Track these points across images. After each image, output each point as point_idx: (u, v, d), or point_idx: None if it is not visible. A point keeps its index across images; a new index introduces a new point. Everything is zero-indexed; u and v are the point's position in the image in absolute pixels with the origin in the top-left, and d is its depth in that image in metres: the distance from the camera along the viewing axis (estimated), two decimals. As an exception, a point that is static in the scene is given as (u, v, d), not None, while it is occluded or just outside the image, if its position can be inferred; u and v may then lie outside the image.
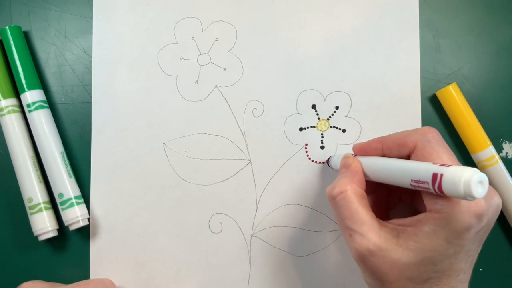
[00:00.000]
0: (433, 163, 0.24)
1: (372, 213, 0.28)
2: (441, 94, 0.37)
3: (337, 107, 0.37)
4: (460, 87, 0.37)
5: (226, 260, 0.37)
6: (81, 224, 0.36)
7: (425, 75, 0.38)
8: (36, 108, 0.36)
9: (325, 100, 0.38)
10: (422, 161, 0.26)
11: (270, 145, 0.37)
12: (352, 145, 0.37)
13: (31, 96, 0.36)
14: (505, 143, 0.38)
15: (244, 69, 0.38)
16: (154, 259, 0.37)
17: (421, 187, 0.25)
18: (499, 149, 0.38)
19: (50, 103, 0.38)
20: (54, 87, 0.38)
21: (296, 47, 0.38)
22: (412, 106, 0.37)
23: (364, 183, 0.29)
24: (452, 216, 0.24)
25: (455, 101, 0.37)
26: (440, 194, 0.23)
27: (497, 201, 0.26)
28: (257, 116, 0.38)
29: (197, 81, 0.38)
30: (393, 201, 0.33)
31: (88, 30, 0.38)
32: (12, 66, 0.37)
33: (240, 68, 0.38)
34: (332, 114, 0.38)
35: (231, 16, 0.38)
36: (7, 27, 0.37)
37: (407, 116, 0.37)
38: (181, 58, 0.38)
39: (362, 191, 0.29)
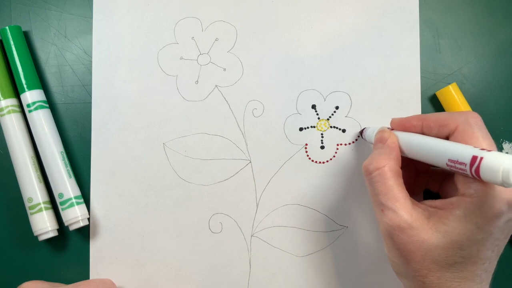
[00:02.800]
0: (474, 147, 0.24)
1: (406, 191, 0.28)
2: (441, 94, 0.37)
3: (337, 107, 0.37)
4: (460, 87, 0.37)
5: (226, 260, 0.37)
6: (81, 224, 0.36)
7: (425, 75, 0.38)
8: (36, 108, 0.36)
9: (325, 100, 0.38)
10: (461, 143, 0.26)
11: (270, 145, 0.37)
12: (351, 145, 0.37)
13: (31, 96, 0.36)
14: (505, 143, 0.38)
15: (244, 69, 0.38)
16: (154, 259, 0.37)
17: (457, 168, 0.25)
18: (499, 149, 0.38)
19: (50, 103, 0.38)
20: (54, 87, 0.38)
21: (296, 47, 0.38)
22: (412, 106, 0.37)
23: (400, 160, 0.29)
24: (485, 201, 0.25)
25: (455, 101, 0.37)
26: (476, 177, 0.23)
27: None
28: (257, 116, 0.38)
29: (197, 81, 0.38)
30: (419, 187, 0.33)
31: (88, 30, 0.38)
32: (12, 66, 0.37)
33: (240, 68, 0.38)
34: (332, 114, 0.38)
35: (231, 16, 0.38)
36: (7, 27, 0.37)
37: (407, 116, 0.37)
38: (181, 58, 0.38)
39: (398, 168, 0.29)
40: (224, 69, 0.38)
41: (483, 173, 0.23)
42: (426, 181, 0.33)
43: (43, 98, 0.37)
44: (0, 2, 0.38)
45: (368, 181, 0.29)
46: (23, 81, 0.36)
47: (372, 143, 0.33)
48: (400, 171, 0.29)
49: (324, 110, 0.38)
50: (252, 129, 0.38)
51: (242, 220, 0.37)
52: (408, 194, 0.28)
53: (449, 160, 0.25)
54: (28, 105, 0.36)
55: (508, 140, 0.38)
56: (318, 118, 0.38)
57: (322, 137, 0.37)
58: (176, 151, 0.37)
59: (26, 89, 0.36)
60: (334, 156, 0.37)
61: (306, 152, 0.37)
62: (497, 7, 0.38)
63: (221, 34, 0.38)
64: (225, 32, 0.38)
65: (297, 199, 0.37)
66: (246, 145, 0.38)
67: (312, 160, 0.37)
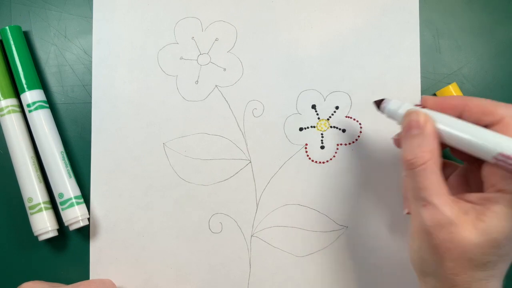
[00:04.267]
0: None
1: (446, 186, 0.26)
2: (441, 94, 0.37)
3: (337, 107, 0.37)
4: (460, 87, 0.37)
5: (226, 260, 0.37)
6: (81, 224, 0.36)
7: (425, 75, 0.38)
8: (36, 108, 0.36)
9: (325, 100, 0.38)
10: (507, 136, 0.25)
11: (270, 145, 0.37)
12: (351, 145, 0.37)
13: (31, 96, 0.36)
14: (505, 143, 0.38)
15: (244, 69, 0.38)
16: (154, 259, 0.37)
17: (506, 164, 0.23)
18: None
19: (50, 103, 0.38)
20: (54, 87, 0.38)
21: (296, 47, 0.38)
22: (412, 106, 0.37)
23: (441, 152, 0.27)
24: None
25: (455, 101, 0.36)
26: None
27: None
28: (257, 116, 0.38)
29: (197, 81, 0.38)
30: (446, 173, 0.31)
31: (88, 30, 0.38)
32: (12, 66, 0.37)
33: (240, 68, 0.38)
34: (332, 114, 0.38)
35: (231, 16, 0.38)
36: (7, 27, 0.37)
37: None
38: (181, 58, 0.38)
39: (441, 161, 0.27)
40: (224, 69, 0.38)
41: None
42: (454, 168, 0.32)
43: (43, 98, 0.37)
44: (0, 2, 0.38)
45: (410, 175, 0.27)
46: (23, 81, 0.36)
47: (393, 119, 0.30)
48: (442, 164, 0.27)
49: (324, 110, 0.38)
50: (252, 129, 0.38)
51: (242, 220, 0.37)
52: (448, 189, 0.26)
53: (499, 154, 0.24)
54: (28, 105, 0.36)
55: (508, 140, 0.38)
56: (318, 118, 0.38)
57: (322, 137, 0.37)
58: (176, 151, 0.37)
59: (26, 89, 0.36)
60: (334, 156, 0.37)
61: (306, 152, 0.37)
62: (496, 7, 0.38)
63: (221, 34, 0.38)
64: (225, 32, 0.38)
65: (297, 199, 0.37)
66: (246, 145, 0.38)
67: (312, 160, 0.37)
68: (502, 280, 0.27)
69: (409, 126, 0.28)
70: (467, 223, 0.25)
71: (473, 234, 0.25)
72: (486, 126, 0.27)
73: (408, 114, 0.28)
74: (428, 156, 0.26)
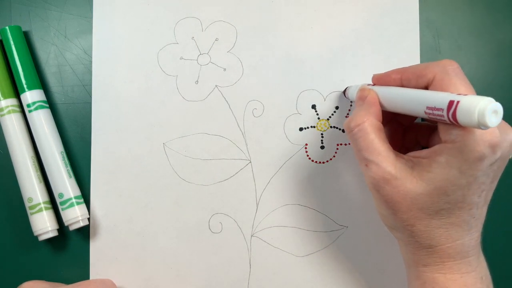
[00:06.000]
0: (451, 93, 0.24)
1: (388, 144, 0.28)
2: (441, 94, 0.37)
3: (337, 107, 0.37)
4: (460, 87, 0.37)
5: (226, 260, 0.37)
6: (81, 224, 0.36)
7: (425, 75, 0.38)
8: (36, 108, 0.36)
9: (325, 100, 0.38)
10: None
11: (270, 145, 0.37)
12: (351, 145, 0.37)
13: (31, 96, 0.36)
14: (505, 143, 0.38)
15: (244, 69, 0.38)
16: (154, 259, 0.37)
17: (435, 115, 0.25)
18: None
19: (50, 103, 0.38)
20: (54, 87, 0.38)
21: (296, 47, 0.38)
22: (412, 106, 0.37)
23: (380, 115, 0.30)
24: (466, 145, 0.25)
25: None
26: (454, 123, 0.23)
27: None
28: (257, 116, 0.38)
29: (197, 81, 0.38)
30: (409, 143, 0.33)
31: (88, 30, 0.38)
32: (12, 66, 0.37)
33: (240, 68, 0.38)
34: (332, 114, 0.38)
35: (231, 16, 0.38)
36: (7, 27, 0.37)
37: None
38: (181, 58, 0.38)
39: (379, 123, 0.29)
40: (224, 69, 0.38)
41: (459, 117, 0.23)
42: (415, 136, 0.33)
43: (43, 98, 0.37)
44: (0, 2, 0.38)
45: (350, 138, 0.29)
46: (23, 81, 0.36)
47: (354, 101, 0.33)
48: (381, 125, 0.29)
49: (324, 110, 0.38)
50: (252, 129, 0.38)
51: (242, 220, 0.37)
52: (390, 147, 0.28)
53: (427, 107, 0.25)
54: (28, 105, 0.36)
55: (508, 140, 0.38)
56: (318, 118, 0.38)
57: (322, 137, 0.37)
58: (176, 151, 0.37)
59: (26, 89, 0.36)
60: (334, 156, 0.37)
61: (306, 152, 0.37)
62: (497, 7, 0.38)
63: (221, 34, 0.38)
64: (225, 32, 0.38)
65: (297, 199, 0.37)
66: (246, 145, 0.38)
67: (312, 160, 0.37)
68: (479, 232, 0.28)
69: (357, 100, 0.31)
70: (412, 175, 0.27)
71: (418, 185, 0.26)
72: (426, 87, 0.28)
73: (358, 91, 0.32)
74: (363, 119, 0.29)
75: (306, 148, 0.37)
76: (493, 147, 0.25)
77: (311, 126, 0.38)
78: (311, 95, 0.38)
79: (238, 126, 0.38)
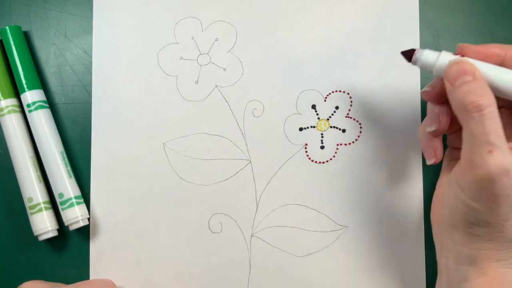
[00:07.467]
0: None
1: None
2: (441, 94, 0.37)
3: (337, 107, 0.37)
4: (460, 87, 0.37)
5: (226, 260, 0.37)
6: (81, 224, 0.36)
7: (425, 75, 0.38)
8: (36, 108, 0.36)
9: (325, 100, 0.38)
10: None
11: (270, 145, 0.37)
12: (351, 145, 0.37)
13: (31, 96, 0.36)
14: (505, 143, 0.38)
15: (244, 69, 0.38)
16: (154, 259, 0.37)
17: None
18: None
19: (50, 103, 0.38)
20: (54, 87, 0.38)
21: (296, 47, 0.38)
22: (412, 106, 0.37)
23: None
24: None
25: (455, 101, 0.36)
26: None
27: None
28: (257, 116, 0.38)
29: (197, 81, 0.38)
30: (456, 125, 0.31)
31: (88, 30, 0.38)
32: (12, 66, 0.37)
33: (240, 68, 0.38)
34: (332, 114, 0.38)
35: (231, 16, 0.38)
36: (7, 27, 0.37)
37: (407, 116, 0.37)
38: (181, 58, 0.38)
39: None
40: (224, 69, 0.38)
41: None
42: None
43: (43, 98, 0.37)
44: (0, 2, 0.38)
45: (477, 118, 0.25)
46: (23, 81, 0.36)
47: (428, 70, 0.29)
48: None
49: (324, 110, 0.38)
50: (252, 129, 0.38)
51: (242, 220, 0.37)
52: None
53: None
54: (28, 105, 0.36)
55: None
56: (318, 118, 0.38)
57: (322, 137, 0.37)
58: (176, 151, 0.37)
59: (26, 89, 0.36)
60: (334, 156, 0.37)
61: (306, 152, 0.37)
62: (496, 7, 0.38)
63: (221, 34, 0.38)
64: (225, 32, 0.38)
65: (297, 199, 0.37)
66: (246, 145, 0.38)
67: (312, 160, 0.37)
68: None
69: (458, 74, 0.27)
70: None
71: None
72: None
73: (455, 63, 0.27)
74: (491, 100, 0.25)
75: (306, 148, 0.37)
76: None
77: (311, 126, 0.38)
78: (311, 95, 0.38)
79: (238, 126, 0.38)
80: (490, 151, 0.25)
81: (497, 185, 0.25)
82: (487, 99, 0.25)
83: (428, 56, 0.29)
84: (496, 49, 0.28)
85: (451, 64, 0.28)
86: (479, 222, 0.27)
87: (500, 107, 0.27)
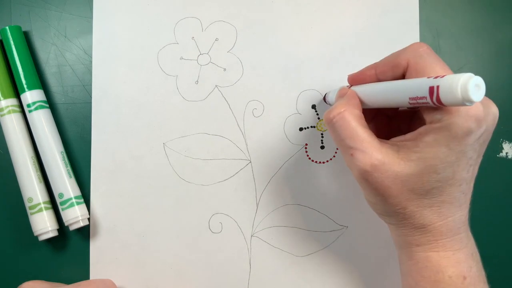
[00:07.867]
0: (428, 77, 0.24)
1: (371, 131, 0.28)
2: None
3: (337, 107, 0.37)
4: (460, 87, 0.37)
5: (226, 260, 0.37)
6: (81, 224, 0.36)
7: (425, 75, 0.38)
8: (36, 108, 0.36)
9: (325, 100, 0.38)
10: (416, 77, 0.26)
11: (270, 145, 0.37)
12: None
13: (31, 96, 0.36)
14: (505, 143, 0.38)
15: (244, 69, 0.38)
16: (154, 259, 0.37)
17: (420, 103, 0.25)
18: (499, 149, 0.38)
19: (50, 103, 0.38)
20: (54, 87, 0.38)
21: (296, 47, 0.38)
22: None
23: (360, 106, 0.29)
24: (453, 122, 0.25)
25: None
26: (440, 105, 0.24)
27: (494, 110, 0.27)
28: (257, 116, 0.38)
29: (197, 81, 0.38)
30: (393, 131, 0.33)
31: (88, 30, 0.38)
32: (12, 66, 0.37)
33: (240, 68, 0.38)
34: (332, 114, 0.38)
35: (231, 16, 0.38)
36: (7, 27, 0.37)
37: (407, 116, 0.37)
38: (181, 58, 0.38)
39: (359, 112, 0.28)
40: (224, 69, 0.38)
41: (444, 99, 0.23)
42: (397, 124, 0.33)
43: (43, 98, 0.37)
44: (0, 2, 0.38)
45: (331, 129, 0.29)
46: (23, 81, 0.36)
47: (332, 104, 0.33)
48: (361, 114, 0.28)
49: (324, 110, 0.38)
50: (252, 129, 0.38)
51: (242, 220, 0.37)
52: (373, 134, 0.28)
53: (410, 98, 0.25)
54: (28, 105, 0.36)
55: (508, 140, 0.38)
56: (318, 118, 0.38)
57: (322, 137, 0.38)
58: (176, 151, 0.37)
59: (26, 89, 0.36)
60: (334, 156, 0.37)
61: (306, 152, 0.37)
62: (497, 7, 0.38)
63: (221, 34, 0.38)
64: (225, 32, 0.38)
65: (297, 199, 0.37)
66: (246, 145, 0.38)
67: (312, 160, 0.37)
68: (468, 208, 0.28)
69: (336, 98, 0.31)
70: (399, 159, 0.26)
71: (407, 166, 0.26)
72: (402, 76, 0.28)
73: (338, 91, 0.32)
74: (342, 108, 0.28)
75: (306, 148, 0.37)
76: (479, 121, 0.25)
77: (311, 126, 0.38)
78: (311, 95, 0.38)
79: (238, 126, 0.38)
80: (352, 154, 0.27)
81: (370, 180, 0.27)
82: (335, 110, 0.28)
83: (331, 93, 0.35)
84: (367, 70, 0.30)
85: (337, 92, 0.32)
86: (383, 213, 0.29)
87: (377, 114, 0.32)
